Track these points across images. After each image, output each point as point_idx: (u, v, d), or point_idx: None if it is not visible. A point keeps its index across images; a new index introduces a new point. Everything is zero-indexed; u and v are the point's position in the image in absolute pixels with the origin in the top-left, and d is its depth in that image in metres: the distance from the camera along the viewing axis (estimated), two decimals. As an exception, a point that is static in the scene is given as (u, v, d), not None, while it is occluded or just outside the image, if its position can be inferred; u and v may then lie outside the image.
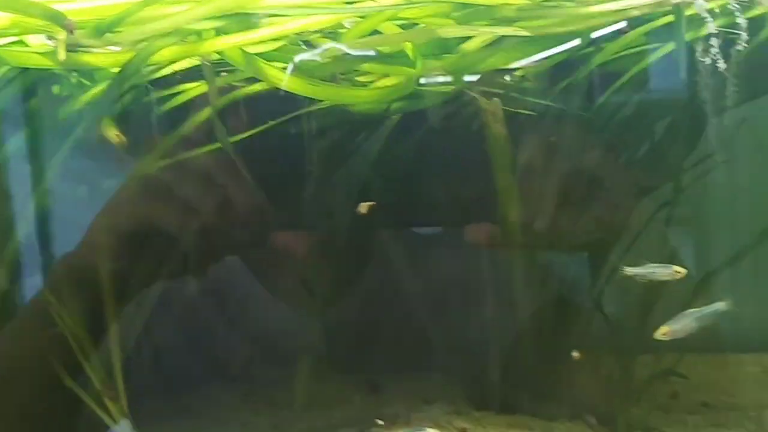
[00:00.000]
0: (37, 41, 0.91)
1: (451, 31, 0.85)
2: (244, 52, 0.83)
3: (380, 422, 1.17)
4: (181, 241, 1.13)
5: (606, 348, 1.25)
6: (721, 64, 0.82)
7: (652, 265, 1.09)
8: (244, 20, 0.85)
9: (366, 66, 0.98)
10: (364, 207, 0.97)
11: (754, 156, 1.37)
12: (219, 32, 0.85)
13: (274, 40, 0.91)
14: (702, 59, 0.82)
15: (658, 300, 1.16)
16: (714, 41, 0.80)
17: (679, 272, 1.09)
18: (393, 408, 1.35)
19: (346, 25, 0.86)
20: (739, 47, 0.82)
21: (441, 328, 1.40)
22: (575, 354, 1.12)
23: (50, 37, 0.87)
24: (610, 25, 0.94)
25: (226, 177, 1.11)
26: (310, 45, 0.92)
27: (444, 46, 1.01)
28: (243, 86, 1.02)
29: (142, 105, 1.05)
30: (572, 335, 1.28)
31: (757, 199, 1.35)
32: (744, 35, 0.82)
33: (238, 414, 1.35)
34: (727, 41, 0.90)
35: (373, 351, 1.54)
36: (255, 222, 1.14)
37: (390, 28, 0.87)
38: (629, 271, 1.10)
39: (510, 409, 1.28)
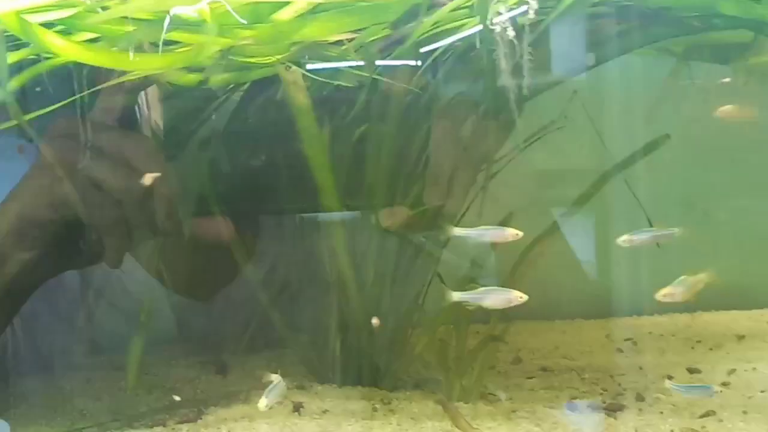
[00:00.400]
0: None
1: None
2: (19, 17, 0.79)
3: (177, 398, 1.16)
4: (95, 228, 1.07)
5: (443, 318, 1.28)
6: (510, 32, 0.83)
7: (483, 227, 1.10)
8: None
9: (175, 35, 0.95)
10: (148, 178, 0.94)
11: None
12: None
13: (69, 6, 0.87)
14: (492, 28, 0.84)
15: (482, 269, 1.19)
16: (503, 10, 0.82)
17: (516, 235, 1.09)
18: (237, 386, 1.34)
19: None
20: (530, 15, 0.84)
21: (292, 309, 1.40)
22: (375, 321, 1.13)
23: None
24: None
25: (145, 162, 1.05)
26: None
27: (257, 16, 0.99)
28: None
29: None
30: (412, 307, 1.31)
31: (585, 171, 1.40)
32: (534, 4, 0.84)
33: (78, 400, 1.31)
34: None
35: (225, 333, 1.53)
36: (173, 208, 1.09)
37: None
38: (459, 231, 1.11)
39: (353, 382, 1.29)
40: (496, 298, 1.08)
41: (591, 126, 1.40)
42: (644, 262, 1.70)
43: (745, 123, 1.43)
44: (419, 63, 1.17)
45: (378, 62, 1.13)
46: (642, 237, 1.08)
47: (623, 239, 1.08)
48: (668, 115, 1.52)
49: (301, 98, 0.96)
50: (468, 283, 1.16)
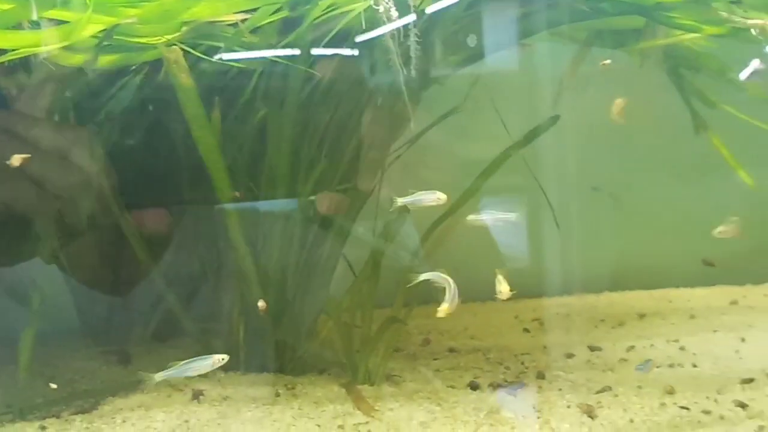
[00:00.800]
0: None
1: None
2: None
3: (53, 386, 1.13)
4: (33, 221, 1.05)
5: (349, 302, 1.28)
6: (394, 14, 0.83)
7: (419, 192, 1.13)
8: None
9: (53, 13, 0.91)
10: (16, 159, 0.91)
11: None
12: None
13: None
14: (377, 8, 0.83)
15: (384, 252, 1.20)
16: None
17: (441, 198, 1.14)
18: (137, 376, 1.31)
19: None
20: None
21: (197, 298, 1.37)
22: (261, 304, 1.13)
23: None
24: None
25: (82, 155, 1.03)
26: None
27: (143, -6, 0.97)
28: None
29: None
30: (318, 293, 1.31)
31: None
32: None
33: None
34: None
35: (129, 323, 1.49)
36: (111, 200, 1.07)
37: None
38: (401, 200, 1.13)
39: (257, 369, 1.28)
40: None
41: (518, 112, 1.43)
42: (553, 245, 1.74)
43: (648, 109, 1.48)
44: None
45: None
46: (485, 218, 1.16)
47: (470, 218, 1.16)
48: (576, 101, 1.55)
49: (183, 78, 0.94)
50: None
